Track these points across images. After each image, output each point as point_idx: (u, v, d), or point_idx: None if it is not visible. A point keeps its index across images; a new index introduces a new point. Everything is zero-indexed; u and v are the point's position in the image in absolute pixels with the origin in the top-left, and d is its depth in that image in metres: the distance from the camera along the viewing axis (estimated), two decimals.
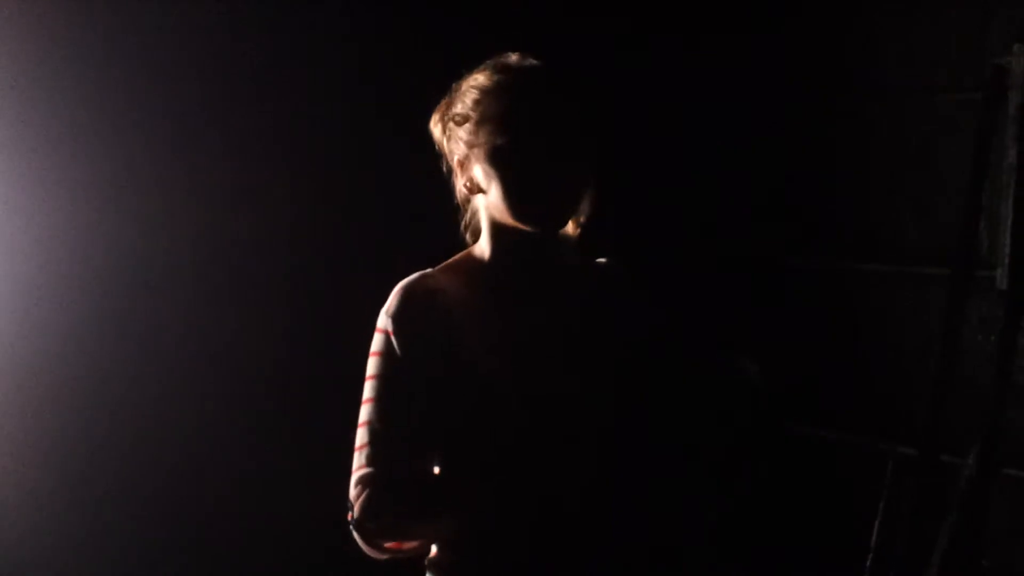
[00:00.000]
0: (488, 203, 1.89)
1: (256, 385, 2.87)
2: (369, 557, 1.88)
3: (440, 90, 1.94)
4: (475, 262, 1.93)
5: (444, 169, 1.96)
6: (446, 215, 1.98)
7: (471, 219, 1.96)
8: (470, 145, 1.87)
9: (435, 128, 1.95)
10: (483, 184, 1.88)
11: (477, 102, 1.86)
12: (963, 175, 2.63)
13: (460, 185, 1.93)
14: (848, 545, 2.85)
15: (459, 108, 1.88)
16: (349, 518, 1.83)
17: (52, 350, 2.67)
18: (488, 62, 1.91)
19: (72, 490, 2.69)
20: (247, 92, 2.87)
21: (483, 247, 1.92)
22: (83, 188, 2.69)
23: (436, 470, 1.92)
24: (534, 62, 1.90)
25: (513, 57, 1.91)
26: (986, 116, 2.60)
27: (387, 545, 1.85)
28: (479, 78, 1.88)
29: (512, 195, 1.84)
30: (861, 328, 3.04)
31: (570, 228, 1.95)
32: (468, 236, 1.98)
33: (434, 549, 1.92)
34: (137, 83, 2.73)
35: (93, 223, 2.70)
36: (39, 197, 2.64)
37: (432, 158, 1.96)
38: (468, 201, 1.95)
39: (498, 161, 1.84)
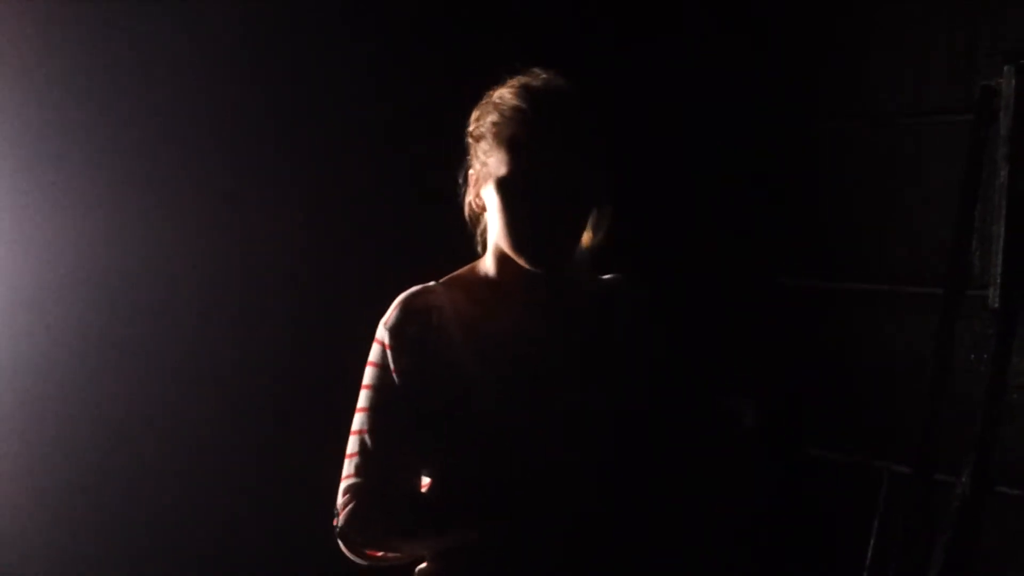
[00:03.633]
0: (491, 225, 1.88)
1: (260, 384, 2.88)
2: (355, 563, 1.91)
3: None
4: (478, 277, 1.93)
5: (461, 179, 1.94)
6: (456, 223, 1.98)
7: (483, 230, 1.95)
8: (482, 164, 1.86)
9: (467, 135, 1.92)
10: (488, 206, 1.87)
11: (495, 124, 1.83)
12: (954, 196, 2.66)
13: (468, 199, 1.92)
14: (843, 563, 2.85)
15: (480, 123, 1.86)
16: (335, 524, 1.85)
17: (53, 352, 2.67)
18: (519, 77, 1.88)
19: (74, 492, 2.70)
20: (255, 99, 2.88)
21: (487, 263, 1.92)
22: (86, 192, 2.69)
23: (427, 482, 1.92)
24: (560, 86, 1.86)
25: (542, 76, 1.87)
26: (977, 137, 2.62)
27: (369, 553, 1.87)
28: (504, 96, 1.85)
29: (510, 229, 1.82)
30: (855, 347, 3.05)
31: (583, 243, 1.94)
32: (479, 247, 1.97)
33: (425, 560, 1.93)
34: (140, 88, 2.74)
35: (96, 227, 2.71)
36: (42, 200, 2.65)
37: (444, 166, 1.96)
38: (478, 215, 1.94)
39: (501, 190, 1.82)
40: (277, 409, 2.89)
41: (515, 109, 1.82)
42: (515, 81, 1.88)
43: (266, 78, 2.89)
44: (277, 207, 2.90)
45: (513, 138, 1.81)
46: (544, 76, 1.88)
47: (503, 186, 1.81)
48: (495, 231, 1.86)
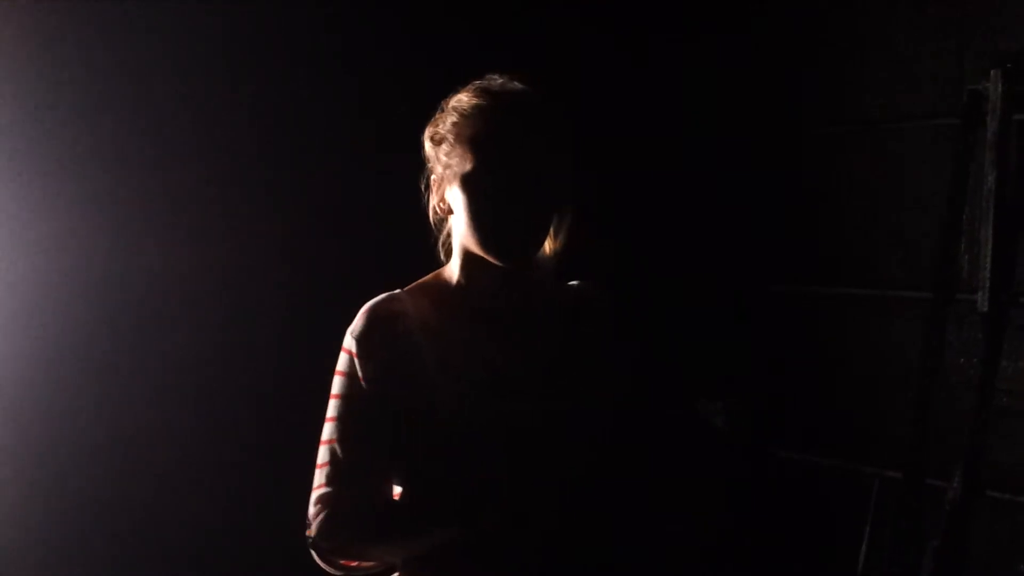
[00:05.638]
0: (457, 227, 1.90)
1: (245, 391, 2.88)
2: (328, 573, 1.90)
3: (437, 97, 1.94)
4: (444, 284, 1.93)
5: (423, 186, 1.96)
6: (423, 230, 1.98)
7: (447, 238, 1.96)
8: (444, 166, 1.87)
9: (425, 143, 1.94)
10: (452, 207, 1.88)
11: (455, 124, 1.85)
12: (942, 200, 2.66)
13: (432, 204, 1.94)
14: (835, 569, 2.85)
15: (440, 127, 1.88)
16: (307, 535, 1.86)
17: (47, 354, 2.68)
18: (475, 82, 1.90)
19: (67, 495, 2.71)
20: (249, 106, 2.89)
21: (453, 269, 1.92)
22: (79, 196, 2.71)
23: (397, 491, 1.93)
24: (517, 87, 1.88)
25: (498, 80, 1.89)
26: (964, 141, 2.62)
27: (342, 563, 1.87)
28: (462, 99, 1.87)
29: (475, 222, 1.83)
30: (845, 352, 3.04)
31: (547, 250, 1.95)
32: (443, 255, 1.98)
33: (397, 569, 1.94)
34: (135, 93, 2.76)
35: (90, 230, 2.72)
36: (39, 203, 2.67)
37: (414, 175, 1.97)
38: (443, 220, 1.95)
39: (465, 186, 1.83)
40: (258, 415, 2.89)
41: (475, 107, 1.84)
42: (470, 86, 1.90)
43: (259, 84, 2.90)
44: (265, 214, 2.91)
45: (475, 135, 1.83)
46: (500, 80, 1.91)
47: (468, 182, 1.82)
48: (461, 232, 1.87)
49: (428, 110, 1.95)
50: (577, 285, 2.02)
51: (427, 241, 2.00)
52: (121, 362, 2.76)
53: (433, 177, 1.92)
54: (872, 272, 3.00)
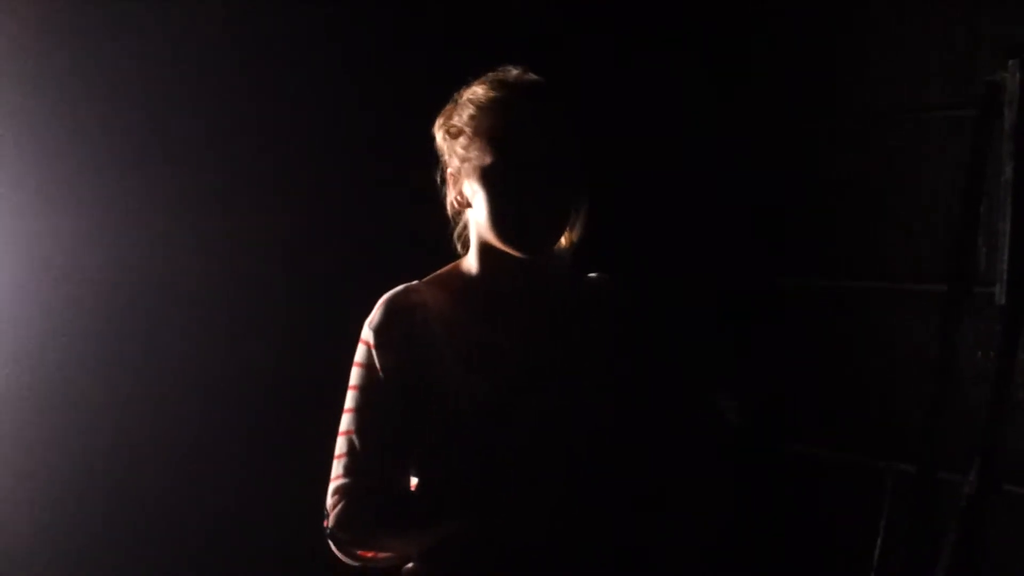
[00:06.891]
0: (475, 219, 1.89)
1: (250, 385, 2.88)
2: (345, 565, 1.92)
3: (437, 95, 1.94)
4: (461, 276, 1.93)
5: (439, 179, 1.96)
6: (442, 224, 1.98)
7: (463, 231, 1.96)
8: (462, 159, 1.87)
9: (437, 134, 1.94)
10: (471, 200, 1.88)
11: (472, 117, 1.86)
12: (957, 192, 2.64)
13: (451, 198, 1.93)
14: (849, 564, 2.83)
15: (456, 120, 1.88)
16: (325, 526, 1.85)
17: (47, 354, 2.68)
18: (490, 74, 1.91)
19: (68, 496, 2.70)
20: (247, 102, 2.89)
21: (470, 261, 1.93)
22: (82, 194, 2.71)
23: (414, 482, 1.92)
24: (533, 78, 1.90)
25: (513, 72, 1.90)
26: (981, 133, 2.60)
27: (360, 554, 1.87)
28: (478, 91, 1.87)
29: (496, 216, 1.84)
30: (857, 345, 3.03)
31: (563, 242, 1.95)
32: (459, 247, 1.98)
33: (411, 562, 1.93)
34: (134, 91, 2.76)
35: (92, 228, 2.72)
36: (40, 201, 2.67)
37: (428, 166, 1.97)
38: (460, 213, 1.95)
39: (485, 180, 1.83)
40: (267, 411, 2.89)
41: (492, 100, 1.85)
42: (485, 78, 1.90)
43: (258, 81, 2.90)
44: (268, 209, 2.91)
45: (493, 127, 1.83)
46: (515, 71, 1.90)
47: (488, 175, 1.83)
48: (480, 224, 1.87)
49: (428, 109, 1.96)
50: (596, 277, 2.02)
51: (431, 239, 2.00)
52: (125, 361, 2.76)
53: (450, 171, 1.91)
54: (884, 265, 2.98)
